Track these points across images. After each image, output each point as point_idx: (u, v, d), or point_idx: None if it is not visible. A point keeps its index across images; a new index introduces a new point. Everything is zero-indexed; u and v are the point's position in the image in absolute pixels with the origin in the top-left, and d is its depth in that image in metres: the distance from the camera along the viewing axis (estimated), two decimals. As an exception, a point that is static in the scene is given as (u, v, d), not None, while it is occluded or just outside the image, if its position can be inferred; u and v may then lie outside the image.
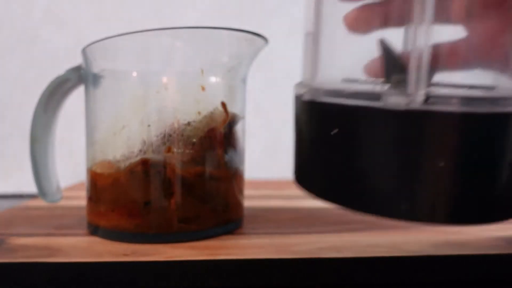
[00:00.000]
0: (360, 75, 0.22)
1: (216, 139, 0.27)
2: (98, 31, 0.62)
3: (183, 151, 0.26)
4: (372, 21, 0.21)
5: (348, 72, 0.22)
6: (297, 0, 0.67)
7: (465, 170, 0.17)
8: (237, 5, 0.65)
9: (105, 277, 0.21)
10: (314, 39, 0.22)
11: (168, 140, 0.25)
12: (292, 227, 0.29)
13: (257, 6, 0.64)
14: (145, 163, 0.25)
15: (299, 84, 0.24)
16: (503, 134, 0.17)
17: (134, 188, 0.25)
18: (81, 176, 0.60)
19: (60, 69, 0.63)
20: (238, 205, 0.29)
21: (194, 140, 0.26)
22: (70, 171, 0.60)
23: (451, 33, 0.21)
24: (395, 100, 0.17)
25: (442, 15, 0.19)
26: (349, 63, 0.23)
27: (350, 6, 0.22)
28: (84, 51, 0.28)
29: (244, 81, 0.29)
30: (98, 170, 0.27)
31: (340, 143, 0.19)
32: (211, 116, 0.26)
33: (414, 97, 0.17)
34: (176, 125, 0.25)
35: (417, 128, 0.17)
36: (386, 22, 0.20)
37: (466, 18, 0.19)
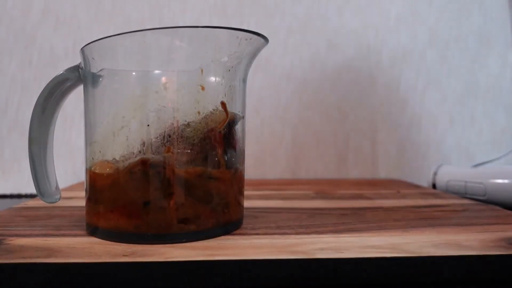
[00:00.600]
0: None
1: (216, 139, 0.26)
2: (96, 31, 0.62)
3: (182, 151, 0.25)
4: None
5: None
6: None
7: None
8: (238, 4, 0.65)
9: (105, 278, 0.21)
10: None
11: (167, 140, 0.25)
12: (292, 227, 0.29)
13: (257, 6, 0.64)
14: (144, 163, 0.25)
15: None
16: None
17: (133, 188, 0.25)
18: (80, 176, 0.60)
19: (58, 69, 0.63)
20: (238, 205, 0.29)
21: (194, 140, 0.26)
22: (70, 171, 0.60)
23: None
24: None
25: None
26: None
27: None
28: (82, 51, 0.27)
29: (244, 80, 0.29)
30: (97, 170, 0.26)
31: None
32: (211, 116, 0.26)
33: None
34: (175, 125, 0.25)
35: None
36: None
37: None
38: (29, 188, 0.59)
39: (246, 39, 0.27)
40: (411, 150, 0.66)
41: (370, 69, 0.66)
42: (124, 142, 0.25)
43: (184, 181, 0.25)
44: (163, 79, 0.26)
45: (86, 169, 0.28)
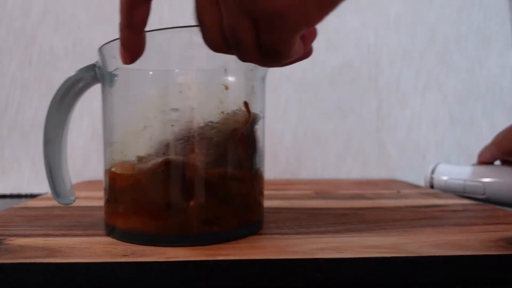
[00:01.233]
0: None
1: (239, 139, 0.26)
2: (96, 31, 0.62)
3: (206, 152, 0.25)
4: None
5: None
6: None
7: None
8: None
9: (105, 278, 0.21)
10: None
11: (191, 141, 0.25)
12: (292, 227, 0.29)
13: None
14: (168, 164, 0.24)
15: None
16: None
17: (156, 189, 0.25)
18: (80, 176, 0.60)
19: (58, 69, 0.63)
20: (259, 206, 0.28)
21: (217, 141, 0.25)
22: (70, 171, 0.60)
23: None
24: None
25: None
26: None
27: None
28: (100, 50, 0.27)
29: (263, 79, 0.28)
30: (118, 171, 0.26)
31: None
32: (234, 117, 0.26)
33: None
34: (199, 126, 0.25)
35: None
36: None
37: None
38: (29, 188, 0.59)
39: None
40: (411, 150, 0.66)
41: (370, 69, 0.66)
42: (147, 143, 0.25)
43: (208, 182, 0.25)
44: (187, 78, 0.25)
45: (106, 169, 0.27)
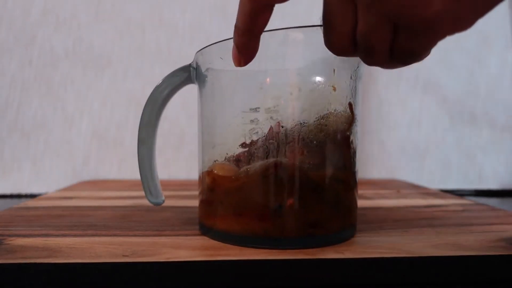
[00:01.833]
0: None
1: (344, 141, 0.26)
2: (96, 31, 0.62)
3: (313, 154, 0.25)
4: None
5: None
6: None
7: None
8: (238, 4, 0.64)
9: (104, 278, 0.21)
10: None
11: (300, 143, 0.24)
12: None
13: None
14: (277, 166, 0.24)
15: None
16: None
17: (264, 191, 0.24)
18: (80, 176, 0.60)
19: (58, 69, 0.63)
20: (356, 208, 0.28)
21: (325, 142, 0.25)
22: (70, 171, 0.60)
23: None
24: None
25: None
26: None
27: None
28: (201, 52, 0.27)
29: (361, 80, 0.28)
30: (221, 173, 0.26)
31: None
32: (340, 118, 0.25)
33: None
34: (309, 128, 0.24)
35: None
36: None
37: None
38: (29, 188, 0.59)
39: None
40: (411, 150, 0.66)
41: (370, 69, 0.66)
42: (250, 146, 0.25)
43: (316, 184, 0.25)
44: (296, 79, 0.25)
45: (204, 171, 0.27)
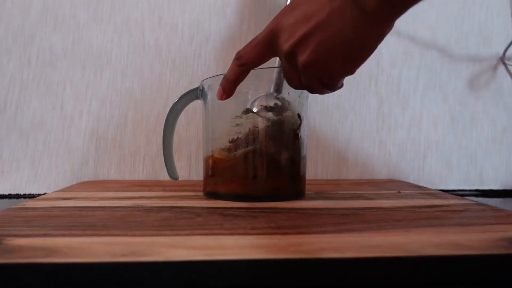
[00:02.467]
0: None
1: (294, 136, 0.41)
2: (95, 31, 0.62)
3: (276, 144, 0.40)
4: None
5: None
6: None
7: None
8: (238, 4, 0.65)
9: (104, 278, 0.21)
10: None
11: (266, 137, 0.39)
12: (293, 227, 0.29)
13: (257, 6, 0.64)
14: (254, 151, 0.39)
15: None
16: None
17: (246, 167, 0.39)
18: (79, 176, 0.60)
19: (57, 69, 0.63)
20: (304, 180, 0.43)
21: (283, 136, 0.40)
22: (69, 171, 0.60)
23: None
24: None
25: None
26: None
27: None
28: (203, 82, 0.43)
29: (307, 98, 0.44)
30: (219, 156, 0.41)
31: None
32: (289, 122, 0.41)
33: None
34: (272, 128, 0.40)
35: None
36: None
37: None
38: (28, 188, 0.59)
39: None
40: (411, 150, 0.66)
41: (370, 69, 0.66)
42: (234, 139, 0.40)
43: (278, 164, 0.40)
44: (266, 98, 0.40)
45: (208, 156, 0.42)
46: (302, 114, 0.42)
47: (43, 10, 0.61)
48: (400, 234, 0.27)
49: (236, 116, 0.40)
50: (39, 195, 0.56)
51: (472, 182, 0.67)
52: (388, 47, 0.67)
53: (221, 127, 0.41)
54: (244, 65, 0.35)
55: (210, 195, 0.42)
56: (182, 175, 0.62)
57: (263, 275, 0.22)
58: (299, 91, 0.41)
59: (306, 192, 0.44)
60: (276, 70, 0.39)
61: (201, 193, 0.44)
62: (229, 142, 0.40)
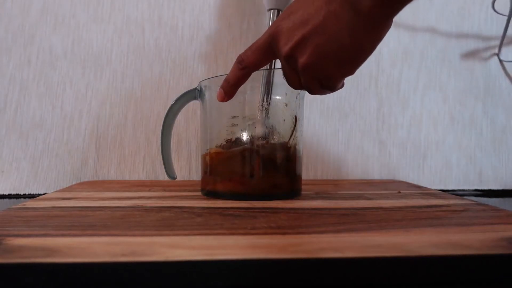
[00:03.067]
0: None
1: (289, 135, 0.42)
2: (95, 31, 0.62)
3: (265, 144, 0.41)
4: None
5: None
6: None
7: None
8: (237, 4, 0.64)
9: (104, 278, 0.21)
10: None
11: (260, 137, 0.40)
12: (293, 227, 0.29)
13: (257, 6, 0.64)
14: (250, 150, 0.40)
15: None
16: None
17: (241, 164, 0.41)
18: (78, 177, 0.60)
19: (57, 69, 0.63)
20: (300, 178, 0.44)
21: (277, 137, 0.41)
22: (69, 171, 0.60)
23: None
24: None
25: None
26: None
27: None
28: (201, 83, 0.43)
29: (303, 98, 0.44)
30: (215, 152, 0.42)
31: None
32: (284, 125, 0.42)
33: None
34: (266, 130, 0.41)
35: None
36: None
37: None
38: (28, 188, 0.59)
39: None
40: (411, 150, 0.66)
41: (370, 69, 0.66)
42: (230, 136, 0.41)
43: (273, 162, 0.41)
44: (265, 98, 0.41)
45: (205, 153, 0.43)
46: (298, 116, 0.43)
47: (43, 10, 0.61)
48: (400, 234, 0.27)
49: (233, 117, 0.41)
50: (39, 195, 0.56)
51: (472, 182, 0.67)
52: (388, 47, 0.67)
53: (218, 127, 0.42)
54: (245, 68, 0.36)
55: (209, 193, 0.42)
56: (182, 175, 0.62)
57: (263, 275, 0.22)
58: (295, 92, 0.41)
59: (306, 192, 0.44)
60: (262, 80, 0.41)
61: (201, 193, 0.44)
62: (226, 141, 0.41)
